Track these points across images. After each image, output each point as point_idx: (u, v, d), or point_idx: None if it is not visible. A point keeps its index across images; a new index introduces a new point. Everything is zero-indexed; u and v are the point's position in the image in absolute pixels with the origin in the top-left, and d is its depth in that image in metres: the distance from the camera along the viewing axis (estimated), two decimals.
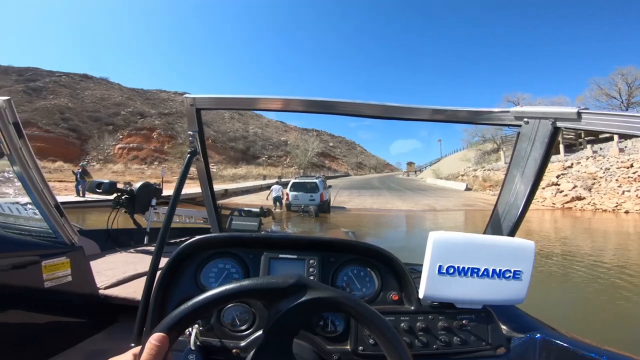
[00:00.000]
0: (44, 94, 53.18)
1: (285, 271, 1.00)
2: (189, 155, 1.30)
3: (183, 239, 3.50)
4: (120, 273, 2.19)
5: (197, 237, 1.02)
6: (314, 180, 17.44)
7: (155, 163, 44.65)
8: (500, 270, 0.89)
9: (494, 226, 1.18)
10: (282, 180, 23.67)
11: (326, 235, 1.16)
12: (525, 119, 1.03)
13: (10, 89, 49.08)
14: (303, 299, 0.58)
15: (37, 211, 1.66)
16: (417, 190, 33.11)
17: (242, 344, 0.85)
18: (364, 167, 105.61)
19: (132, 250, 3.00)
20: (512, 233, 1.12)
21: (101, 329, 1.82)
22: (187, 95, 1.26)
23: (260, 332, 0.83)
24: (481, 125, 1.19)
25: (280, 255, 1.03)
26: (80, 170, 18.28)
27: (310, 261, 1.02)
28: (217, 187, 24.90)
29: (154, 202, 3.40)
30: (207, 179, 1.52)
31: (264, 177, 36.53)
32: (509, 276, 0.89)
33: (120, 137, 49.84)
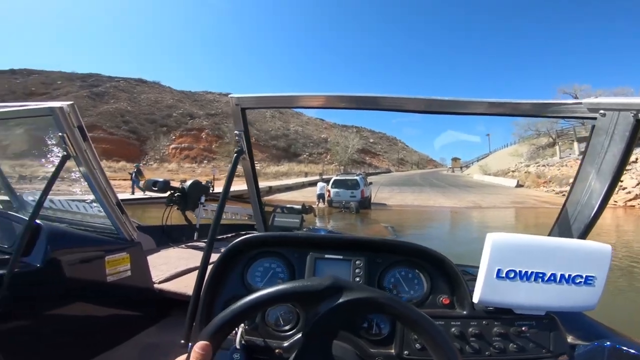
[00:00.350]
0: (106, 99, 58.15)
1: (331, 272, 0.98)
2: (235, 154, 1.31)
3: (229, 235, 3.61)
4: (172, 268, 2.25)
5: (244, 236, 1.03)
6: (355, 178, 17.70)
7: (205, 162, 47.05)
8: (569, 275, 0.82)
9: (562, 227, 1.10)
10: (324, 177, 23.95)
11: (374, 236, 1.13)
12: (602, 111, 0.94)
13: (77, 94, 54.09)
14: (340, 301, 0.57)
15: (101, 209, 1.74)
16: (463, 187, 31.58)
17: (285, 344, 0.85)
18: (406, 163, 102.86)
19: (183, 245, 3.11)
20: (583, 235, 1.04)
21: (155, 322, 1.88)
22: (232, 95, 1.26)
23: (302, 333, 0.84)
24: (547, 118, 1.08)
25: (326, 256, 1.01)
26: (135, 170, 20.10)
27: (357, 262, 0.99)
28: (261, 184, 25.67)
29: (203, 199, 3.56)
30: (252, 178, 1.52)
31: (306, 175, 37.05)
32: (580, 282, 0.82)
33: (173, 137, 53.15)
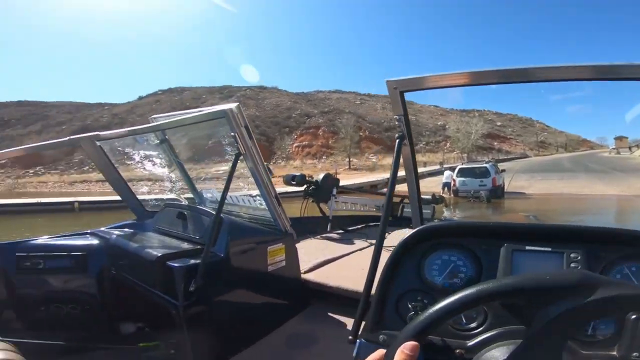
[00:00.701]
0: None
1: (534, 266, 0.83)
2: (397, 139, 1.22)
3: (360, 226, 3.66)
4: (313, 258, 2.30)
5: (426, 225, 0.95)
6: (484, 165, 16.50)
7: (324, 157, 49.87)
8: None
9: None
10: (446, 166, 22.43)
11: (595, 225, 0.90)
12: None
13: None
14: (593, 298, 0.50)
15: (262, 202, 1.87)
16: (633, 172, 24.73)
17: (469, 344, 0.75)
18: (548, 146, 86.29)
19: (319, 236, 3.21)
20: None
21: (298, 312, 1.93)
22: (388, 79, 1.20)
23: (491, 333, 0.72)
24: None
25: (527, 248, 0.85)
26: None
27: (571, 255, 0.82)
28: (382, 176, 25.81)
29: (334, 191, 3.73)
30: (412, 165, 1.40)
31: (425, 164, 35.33)
32: None
33: (295, 136, 58.05)
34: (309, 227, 3.33)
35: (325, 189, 3.65)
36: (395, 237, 3.13)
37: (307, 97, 78.23)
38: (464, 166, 17.50)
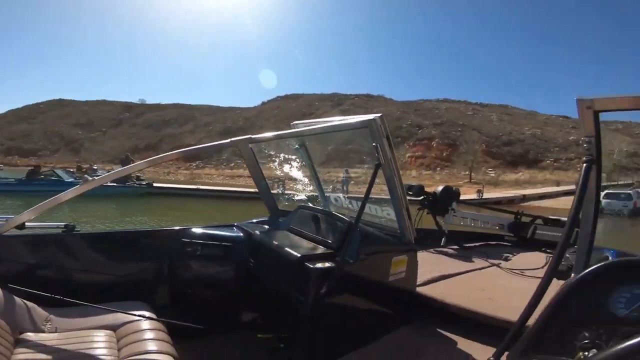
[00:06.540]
0: (350, 115, 66.39)
1: None
2: (585, 164, 1.12)
3: (477, 244, 3.47)
4: (427, 272, 2.26)
5: (622, 258, 0.90)
6: (628, 192, 18.81)
7: (438, 169, 46.33)
8: None
9: None
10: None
11: None
12: None
13: (331, 112, 61.49)
14: None
15: (390, 212, 1.88)
16: None
17: None
18: None
19: (431, 250, 3.15)
20: None
21: (407, 323, 1.92)
22: (580, 97, 1.10)
23: None
24: None
25: None
26: None
27: None
28: (512, 193, 24.55)
29: (454, 205, 3.56)
30: (595, 195, 1.18)
31: (558, 184, 30.47)
32: None
33: (406, 147, 55.35)
34: (421, 239, 3.31)
35: (443, 202, 3.53)
36: (525, 261, 2.81)
37: (414, 106, 73.74)
38: (610, 191, 18.84)
